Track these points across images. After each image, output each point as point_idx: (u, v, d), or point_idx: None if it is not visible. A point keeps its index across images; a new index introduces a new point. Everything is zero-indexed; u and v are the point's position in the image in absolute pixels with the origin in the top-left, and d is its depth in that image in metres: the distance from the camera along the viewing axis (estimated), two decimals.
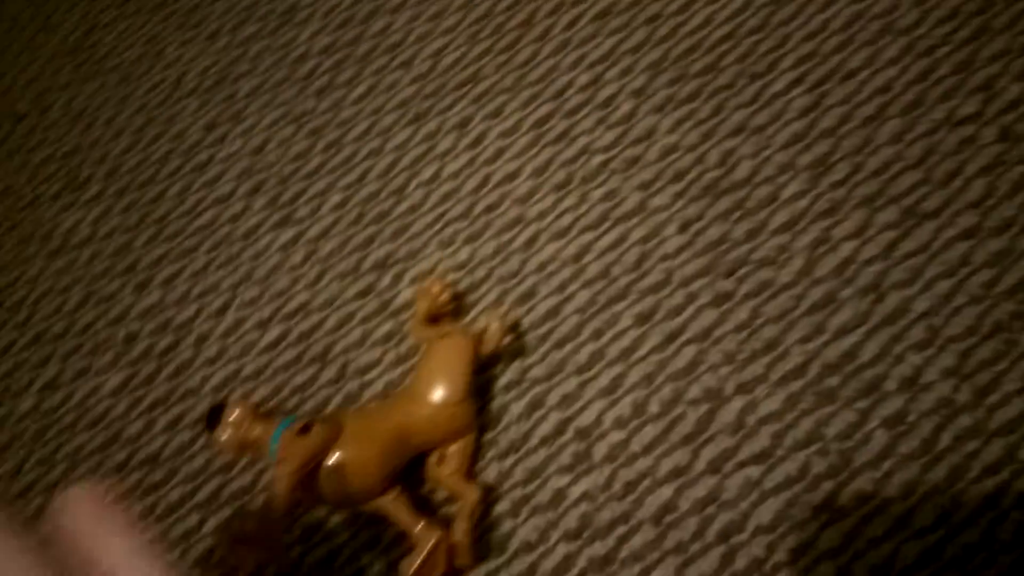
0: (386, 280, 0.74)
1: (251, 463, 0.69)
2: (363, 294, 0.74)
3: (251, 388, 0.72)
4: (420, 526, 0.58)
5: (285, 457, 0.57)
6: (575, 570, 0.60)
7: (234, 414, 0.62)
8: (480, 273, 0.71)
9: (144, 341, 0.78)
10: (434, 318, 0.66)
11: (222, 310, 0.77)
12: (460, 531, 0.59)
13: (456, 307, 0.68)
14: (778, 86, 0.70)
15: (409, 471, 0.63)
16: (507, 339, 0.64)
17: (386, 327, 0.72)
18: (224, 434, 0.61)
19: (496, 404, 0.66)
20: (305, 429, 0.58)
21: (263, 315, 0.76)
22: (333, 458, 0.58)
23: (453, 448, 0.62)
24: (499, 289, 0.70)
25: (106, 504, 0.29)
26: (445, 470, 0.61)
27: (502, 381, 0.67)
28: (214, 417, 0.62)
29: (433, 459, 0.62)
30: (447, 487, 0.61)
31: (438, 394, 0.61)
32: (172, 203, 0.84)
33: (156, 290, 0.80)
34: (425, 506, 0.62)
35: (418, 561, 0.57)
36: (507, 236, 0.72)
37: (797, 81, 0.69)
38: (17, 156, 0.93)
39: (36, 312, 0.83)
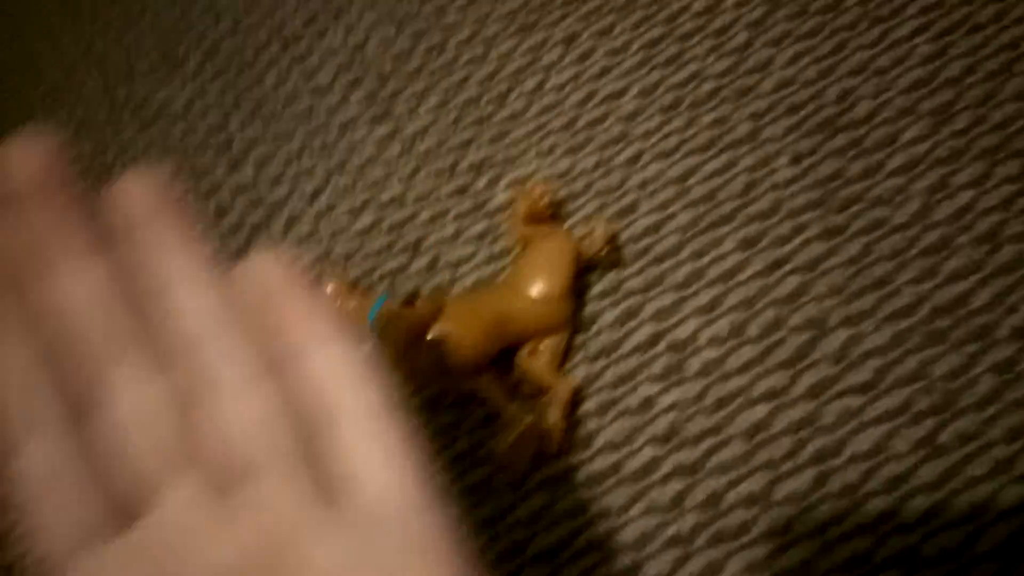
0: (482, 182, 0.69)
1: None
2: (458, 192, 0.69)
3: (343, 268, 0.67)
4: (514, 406, 0.54)
5: (390, 326, 0.52)
6: (660, 473, 0.55)
7: (329, 286, 0.57)
8: (579, 184, 0.66)
9: (235, 214, 0.73)
10: (532, 220, 0.61)
11: (315, 194, 0.72)
12: (553, 416, 0.54)
13: (554, 213, 0.63)
14: (902, 31, 0.64)
15: (499, 364, 0.58)
16: (609, 245, 0.59)
17: (480, 226, 0.67)
18: None
19: (589, 310, 0.61)
20: (409, 302, 0.54)
21: (356, 202, 0.71)
22: (435, 331, 0.53)
23: (546, 342, 0.57)
24: (598, 202, 0.65)
25: (301, 275, 0.24)
26: (537, 362, 0.57)
27: (596, 289, 0.62)
28: None
29: (525, 351, 0.57)
30: (538, 379, 0.56)
31: (538, 289, 0.57)
32: (269, 88, 0.79)
33: (249, 168, 0.75)
34: (514, 395, 0.58)
35: (511, 438, 0.53)
36: (609, 152, 0.67)
37: (922, 29, 0.64)
38: (113, 29, 0.87)
39: None
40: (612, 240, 0.61)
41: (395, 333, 0.52)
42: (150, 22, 0.87)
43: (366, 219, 0.70)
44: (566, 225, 0.65)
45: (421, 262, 0.67)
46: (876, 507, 0.52)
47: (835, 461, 0.54)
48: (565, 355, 0.60)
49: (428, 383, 0.60)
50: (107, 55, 0.86)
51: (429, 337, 0.53)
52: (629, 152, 0.67)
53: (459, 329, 0.54)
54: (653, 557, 0.55)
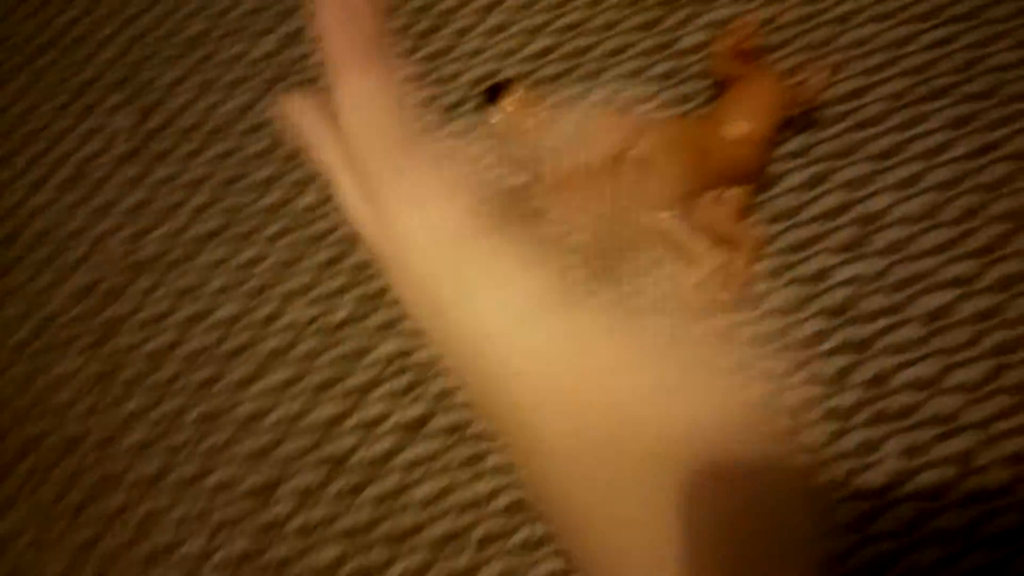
0: (672, 20, 0.73)
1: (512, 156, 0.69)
2: (644, 27, 0.73)
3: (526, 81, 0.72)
4: (707, 245, 0.59)
5: (593, 136, 0.56)
6: (827, 345, 0.61)
7: (516, 94, 0.62)
8: (783, 35, 0.70)
9: (401, 18, 0.78)
10: (737, 58, 0.65)
11: (490, 8, 0.77)
12: (738, 263, 0.59)
13: (757, 55, 0.67)
14: None
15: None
16: (823, 95, 0.63)
17: (664, 66, 0.72)
18: (498, 115, 0.61)
19: (775, 169, 0.66)
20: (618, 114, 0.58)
21: (533, 23, 0.75)
22: (641, 148, 0.58)
23: (733, 191, 0.62)
24: (802, 56, 0.69)
25: None
26: (722, 211, 0.61)
27: (786, 148, 0.66)
28: (493, 94, 0.62)
29: (709, 199, 0.62)
30: (723, 227, 0.61)
31: (740, 129, 0.61)
32: None
33: None
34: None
35: (701, 276, 0.58)
36: (820, 5, 0.70)
37: None
38: None
39: None
40: (826, 90, 0.64)
41: (598, 144, 0.57)
42: None
43: (541, 42, 0.75)
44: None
45: (597, 95, 0.72)
46: None
47: (1014, 356, 0.59)
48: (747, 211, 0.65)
49: (618, 208, 0.65)
50: None
51: (634, 153, 0.58)
52: (842, 9, 0.70)
53: (664, 151, 0.59)
54: (809, 427, 0.61)
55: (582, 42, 0.74)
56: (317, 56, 0.26)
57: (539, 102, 0.64)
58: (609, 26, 0.74)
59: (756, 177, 0.62)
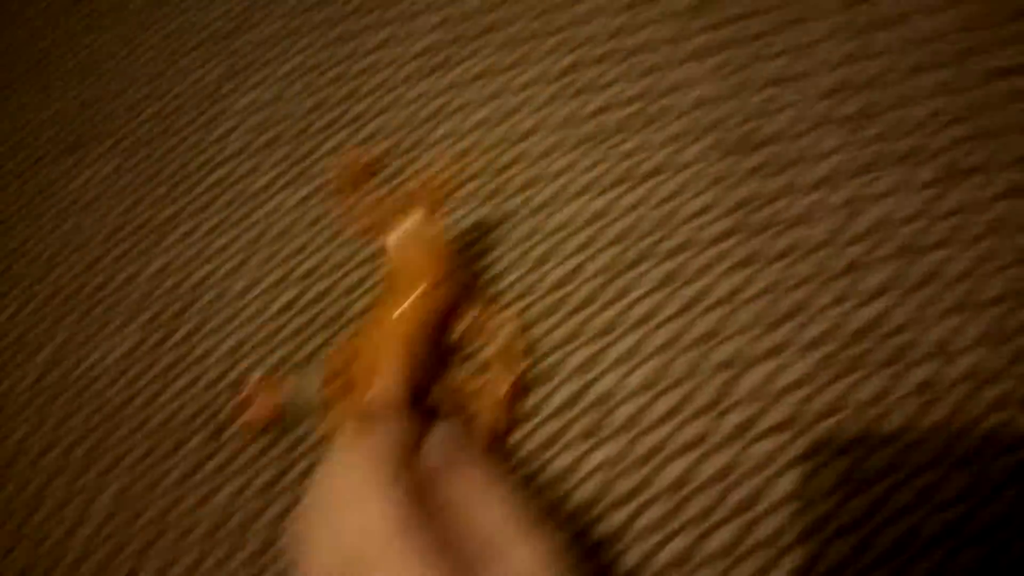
0: None
1: (267, 448, 0.71)
2: (375, 257, 0.76)
3: (262, 356, 0.74)
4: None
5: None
6: (587, 543, 0.62)
7: (244, 393, 0.65)
8: (491, 239, 0.73)
9: (158, 303, 0.81)
10: (366, 194, 0.67)
11: (233, 271, 0.80)
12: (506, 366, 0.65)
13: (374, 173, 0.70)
14: (818, 33, 0.70)
15: None
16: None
17: None
18: (247, 419, 0.64)
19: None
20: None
21: (275, 278, 0.78)
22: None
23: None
24: (511, 255, 0.72)
25: None
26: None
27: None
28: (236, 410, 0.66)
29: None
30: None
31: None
32: (184, 158, 0.87)
33: (169, 249, 0.83)
34: None
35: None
36: (521, 198, 0.73)
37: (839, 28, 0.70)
38: (22, 113, 0.96)
39: (49, 274, 0.86)
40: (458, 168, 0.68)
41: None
42: (58, 101, 0.96)
43: (287, 296, 0.78)
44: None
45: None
46: (798, 556, 0.58)
47: (759, 508, 0.60)
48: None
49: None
50: (20, 141, 0.96)
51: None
52: (542, 196, 0.73)
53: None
54: None
55: (322, 286, 0.76)
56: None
57: (271, 384, 0.66)
58: (341, 265, 0.77)
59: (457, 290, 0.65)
